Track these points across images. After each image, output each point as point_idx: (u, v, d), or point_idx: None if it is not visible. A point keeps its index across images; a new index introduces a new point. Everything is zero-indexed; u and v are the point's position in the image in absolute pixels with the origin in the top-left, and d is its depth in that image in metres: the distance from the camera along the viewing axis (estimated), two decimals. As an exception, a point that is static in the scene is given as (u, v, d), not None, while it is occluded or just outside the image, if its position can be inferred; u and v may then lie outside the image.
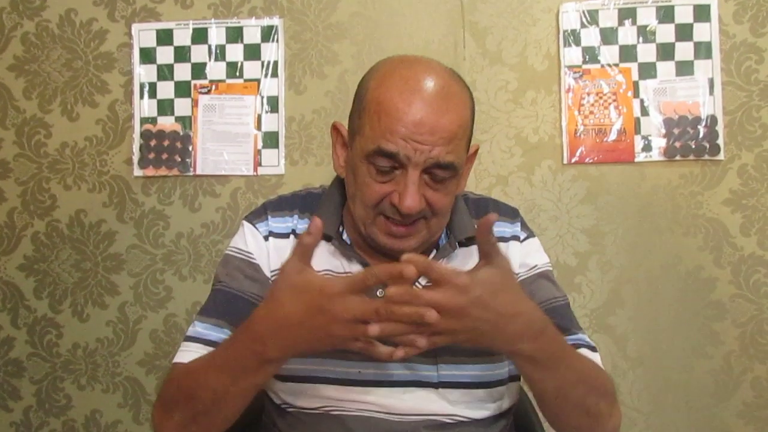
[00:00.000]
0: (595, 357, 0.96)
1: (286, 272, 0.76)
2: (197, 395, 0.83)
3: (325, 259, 0.95)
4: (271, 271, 0.96)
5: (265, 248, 0.96)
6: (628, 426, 1.43)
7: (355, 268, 0.95)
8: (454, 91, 0.88)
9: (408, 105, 0.84)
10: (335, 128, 0.96)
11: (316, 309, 0.73)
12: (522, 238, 1.00)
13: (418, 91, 0.85)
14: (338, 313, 0.72)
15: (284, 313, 0.75)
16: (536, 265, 0.99)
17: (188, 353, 0.90)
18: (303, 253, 0.76)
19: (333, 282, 0.74)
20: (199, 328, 0.93)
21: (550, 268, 1.01)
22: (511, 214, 1.02)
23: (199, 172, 1.52)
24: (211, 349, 0.88)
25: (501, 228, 1.00)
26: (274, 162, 1.51)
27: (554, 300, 0.98)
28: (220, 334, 0.91)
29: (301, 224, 0.98)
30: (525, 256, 0.99)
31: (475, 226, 0.97)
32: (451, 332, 0.74)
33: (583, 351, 0.95)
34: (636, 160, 1.44)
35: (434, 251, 0.97)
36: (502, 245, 0.97)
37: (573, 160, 1.45)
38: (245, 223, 0.99)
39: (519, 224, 1.01)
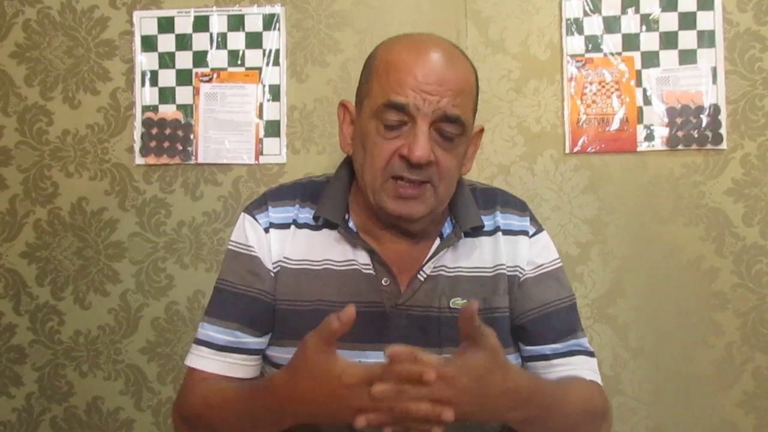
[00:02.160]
0: (592, 362, 0.98)
1: (307, 349, 0.77)
2: (218, 430, 0.89)
3: (329, 247, 0.96)
4: (273, 263, 0.96)
5: (265, 241, 0.96)
6: (628, 415, 1.44)
7: (360, 254, 0.95)
8: (458, 55, 0.92)
9: (415, 58, 0.87)
10: (343, 106, 0.97)
11: (333, 395, 0.75)
12: (531, 233, 1.00)
13: (424, 49, 0.88)
14: (353, 402, 0.74)
15: (302, 391, 0.77)
16: (543, 264, 0.99)
17: (201, 359, 0.94)
18: (327, 336, 0.75)
19: (351, 372, 0.75)
20: (208, 331, 0.95)
21: (559, 265, 1.01)
22: (520, 206, 1.02)
23: (200, 160, 1.51)
24: (220, 356, 0.93)
25: (509, 221, 1.00)
26: (275, 151, 1.51)
27: (558, 302, 0.98)
28: (228, 336, 0.94)
29: (302, 213, 0.98)
30: (533, 254, 0.99)
31: (481, 217, 0.98)
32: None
33: (580, 358, 0.97)
34: (638, 149, 1.43)
35: (438, 240, 0.97)
36: (509, 238, 0.98)
37: (575, 150, 1.45)
38: (245, 215, 0.99)
39: (528, 218, 1.01)
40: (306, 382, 0.77)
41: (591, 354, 0.99)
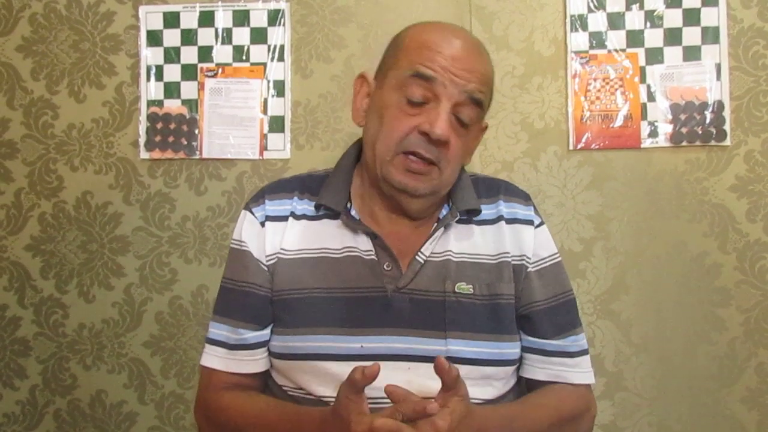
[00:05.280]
0: (585, 360, 0.99)
1: (339, 392, 0.82)
2: None
3: (327, 236, 0.96)
4: (267, 256, 0.97)
5: (261, 234, 0.97)
6: (631, 411, 1.44)
7: (362, 240, 0.95)
8: (484, 51, 0.95)
9: (448, 43, 0.90)
10: (362, 77, 0.98)
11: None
12: (536, 224, 1.01)
13: (456, 38, 0.91)
14: None
15: (322, 429, 0.83)
16: (546, 258, 1.00)
17: (216, 358, 0.97)
18: (352, 384, 0.80)
19: (361, 420, 0.78)
20: (220, 331, 0.97)
21: (560, 259, 1.02)
22: (523, 196, 1.04)
23: (205, 155, 1.52)
24: (232, 354, 0.95)
25: (514, 209, 1.01)
26: (279, 146, 1.51)
27: (560, 296, 1.00)
28: (234, 335, 0.96)
29: (300, 205, 0.99)
30: (537, 245, 1.00)
31: (482, 205, 0.99)
32: None
33: (575, 359, 0.98)
34: (642, 146, 1.43)
35: (435, 224, 0.98)
36: (515, 227, 0.99)
37: (579, 146, 1.45)
38: (244, 211, 1.01)
39: (532, 208, 1.02)
40: (329, 421, 0.81)
41: (585, 351, 1.01)
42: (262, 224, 0.98)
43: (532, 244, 0.99)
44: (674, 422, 1.43)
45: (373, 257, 0.95)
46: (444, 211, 0.99)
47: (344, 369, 0.89)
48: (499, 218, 1.00)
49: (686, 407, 1.42)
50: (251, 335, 0.96)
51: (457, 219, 0.97)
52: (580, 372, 0.98)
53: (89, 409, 1.55)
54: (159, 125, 1.53)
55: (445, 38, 0.90)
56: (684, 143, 1.42)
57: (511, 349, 0.96)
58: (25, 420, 1.56)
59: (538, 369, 0.98)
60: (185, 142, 1.52)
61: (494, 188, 1.03)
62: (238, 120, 1.51)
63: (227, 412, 0.93)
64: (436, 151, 0.89)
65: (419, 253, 0.95)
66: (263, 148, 1.51)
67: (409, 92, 0.89)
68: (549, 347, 0.98)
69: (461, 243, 0.97)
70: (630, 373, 1.44)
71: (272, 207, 0.99)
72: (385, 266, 0.94)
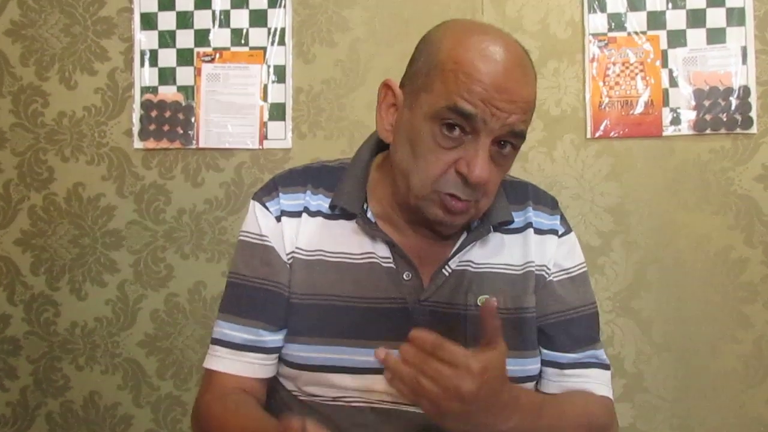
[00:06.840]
0: (605, 376, 0.96)
1: None
2: None
3: (346, 238, 0.91)
4: (287, 254, 0.92)
5: (279, 230, 0.92)
6: (651, 413, 1.40)
7: (380, 247, 0.91)
8: (528, 65, 0.86)
9: (490, 69, 0.81)
10: (387, 86, 0.90)
11: None
12: (560, 233, 0.97)
13: (499, 57, 0.82)
14: None
15: None
16: (569, 268, 0.96)
17: (219, 359, 0.91)
18: None
19: None
20: (224, 329, 0.92)
21: (584, 270, 0.98)
22: (550, 204, 0.99)
23: (202, 145, 1.49)
24: (239, 355, 0.90)
25: (539, 219, 0.96)
26: (280, 135, 1.48)
27: (581, 309, 0.96)
28: (247, 335, 0.91)
29: (314, 200, 0.94)
30: (560, 255, 0.96)
31: (512, 212, 0.95)
32: (445, 412, 0.72)
33: (594, 371, 0.95)
34: (664, 134, 1.40)
35: (465, 234, 0.93)
36: (539, 237, 0.96)
37: (597, 134, 1.42)
38: (255, 203, 0.95)
39: (558, 217, 0.98)
40: None
41: (606, 367, 0.97)
42: (278, 219, 0.93)
43: (554, 254, 0.95)
44: (697, 425, 1.40)
45: (391, 265, 0.90)
46: (474, 223, 0.94)
47: (358, 382, 0.86)
48: (528, 226, 0.96)
49: (710, 409, 1.40)
50: (271, 338, 0.91)
51: (489, 234, 0.93)
52: (598, 384, 0.95)
53: (82, 411, 1.53)
54: (153, 113, 1.50)
55: (485, 60, 0.81)
56: (708, 131, 1.39)
57: (533, 365, 0.93)
58: (15, 422, 1.54)
59: (552, 383, 0.95)
60: (181, 131, 1.49)
61: (523, 194, 0.99)
62: (237, 107, 1.49)
63: (212, 422, 0.89)
64: (474, 191, 0.84)
65: (446, 266, 0.91)
66: (263, 137, 1.48)
67: (446, 123, 0.82)
68: (564, 359, 0.94)
69: (487, 254, 0.93)
70: (651, 373, 1.41)
71: (287, 201, 0.94)
72: (404, 276, 0.90)
